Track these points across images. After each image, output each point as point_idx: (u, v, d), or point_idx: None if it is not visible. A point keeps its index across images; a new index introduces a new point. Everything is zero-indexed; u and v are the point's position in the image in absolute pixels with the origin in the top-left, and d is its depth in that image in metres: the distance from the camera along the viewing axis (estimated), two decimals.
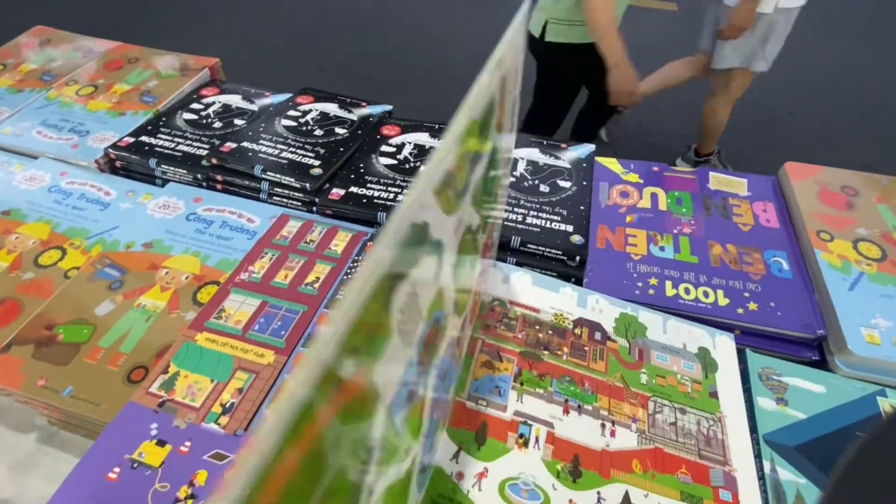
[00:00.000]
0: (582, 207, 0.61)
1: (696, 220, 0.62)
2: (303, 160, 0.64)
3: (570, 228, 0.58)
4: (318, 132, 0.70)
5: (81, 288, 0.52)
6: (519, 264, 0.54)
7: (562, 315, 0.47)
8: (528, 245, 0.56)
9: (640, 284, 0.55)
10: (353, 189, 0.60)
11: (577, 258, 0.56)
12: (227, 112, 0.75)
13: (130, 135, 0.69)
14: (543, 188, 0.63)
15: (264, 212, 0.60)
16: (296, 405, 0.11)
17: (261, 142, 0.66)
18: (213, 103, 0.77)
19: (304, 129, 0.70)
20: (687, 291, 0.55)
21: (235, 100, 0.78)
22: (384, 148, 0.68)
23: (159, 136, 0.70)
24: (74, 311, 0.49)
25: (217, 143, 0.67)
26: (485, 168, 0.28)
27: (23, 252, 0.57)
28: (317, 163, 0.64)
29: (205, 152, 0.67)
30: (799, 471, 0.40)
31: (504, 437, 0.39)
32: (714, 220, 0.62)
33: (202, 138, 0.70)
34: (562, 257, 0.56)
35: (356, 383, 0.15)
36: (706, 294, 0.55)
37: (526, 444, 0.39)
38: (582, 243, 0.56)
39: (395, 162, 0.66)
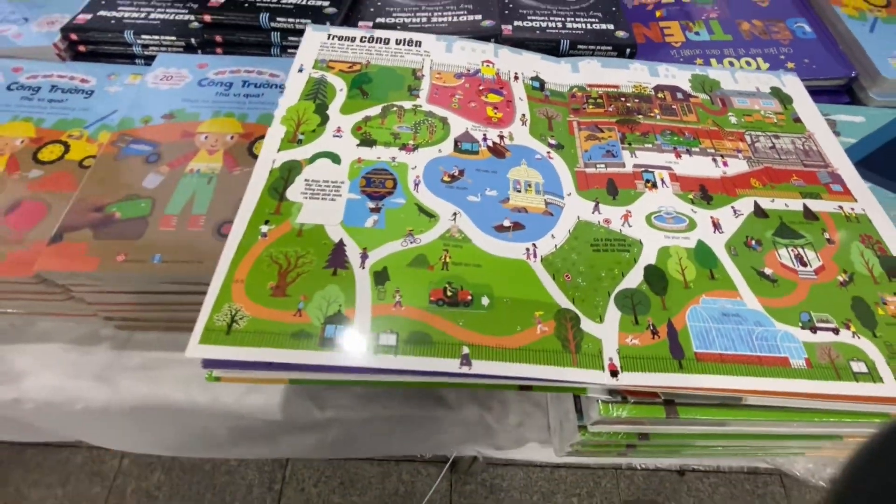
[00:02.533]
0: (614, 8, 0.62)
1: (719, 4, 0.65)
2: (309, 3, 0.58)
3: (611, 27, 0.59)
4: None
5: (113, 168, 0.46)
6: None
7: (640, 85, 0.47)
8: (578, 45, 0.57)
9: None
10: (381, 19, 0.57)
11: (628, 50, 0.58)
12: None
13: (84, 11, 0.59)
14: None
15: (285, 64, 0.56)
16: None
17: None
18: None
19: None
20: (731, 64, 0.59)
21: None
22: None
23: (120, 8, 0.60)
24: (120, 190, 0.44)
25: (195, 6, 0.60)
26: None
27: (14, 152, 0.49)
28: (326, 3, 0.59)
29: (185, 17, 0.59)
30: (864, 178, 0.48)
31: (633, 185, 0.39)
32: (734, 2, 0.65)
33: (173, 4, 0.62)
34: (612, 52, 0.58)
35: None
36: (748, 63, 0.59)
37: (654, 185, 0.39)
38: (627, 37, 0.58)
39: None
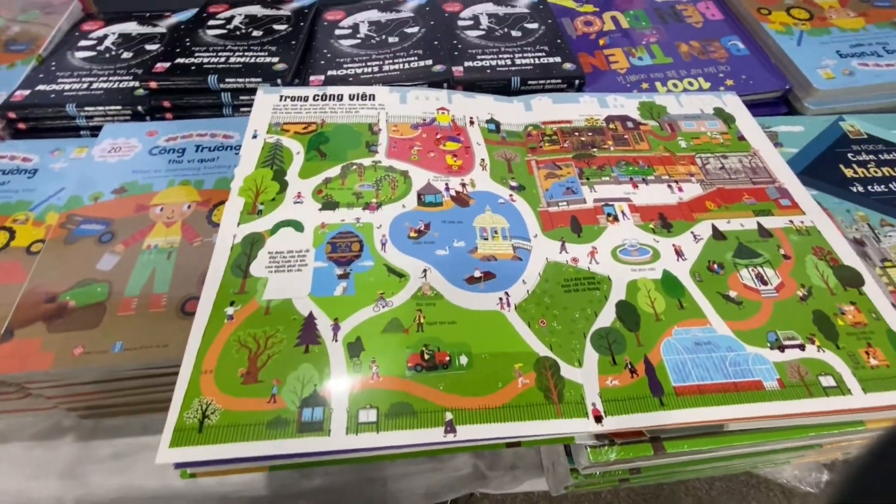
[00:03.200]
0: (559, 41, 0.64)
1: (658, 28, 0.69)
2: (258, 60, 0.58)
3: (558, 59, 0.61)
4: (257, 33, 0.64)
5: (63, 252, 0.44)
6: None
7: (592, 118, 0.49)
8: (529, 82, 0.59)
9: (635, 91, 0.61)
10: (333, 72, 0.57)
11: (577, 82, 0.60)
12: (129, 42, 0.65)
13: (21, 87, 0.57)
14: (515, 33, 0.65)
15: (239, 125, 0.55)
16: None
17: (197, 55, 0.59)
18: (106, 36, 0.66)
19: (238, 33, 0.63)
20: (675, 86, 0.62)
21: (131, 27, 0.67)
22: (339, 32, 0.65)
23: (60, 81, 0.58)
24: (73, 275, 0.42)
25: (140, 71, 0.59)
26: None
27: None
28: (275, 59, 0.59)
29: (130, 85, 0.58)
30: (808, 186, 0.51)
31: (595, 220, 0.40)
32: (671, 26, 0.69)
33: (117, 72, 0.60)
34: (562, 85, 0.60)
35: None
36: (690, 84, 0.62)
37: (616, 219, 0.40)
38: (575, 68, 0.60)
39: (358, 41, 0.63)
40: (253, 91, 0.54)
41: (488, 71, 0.56)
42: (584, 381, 0.33)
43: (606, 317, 0.36)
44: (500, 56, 0.59)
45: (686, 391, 0.32)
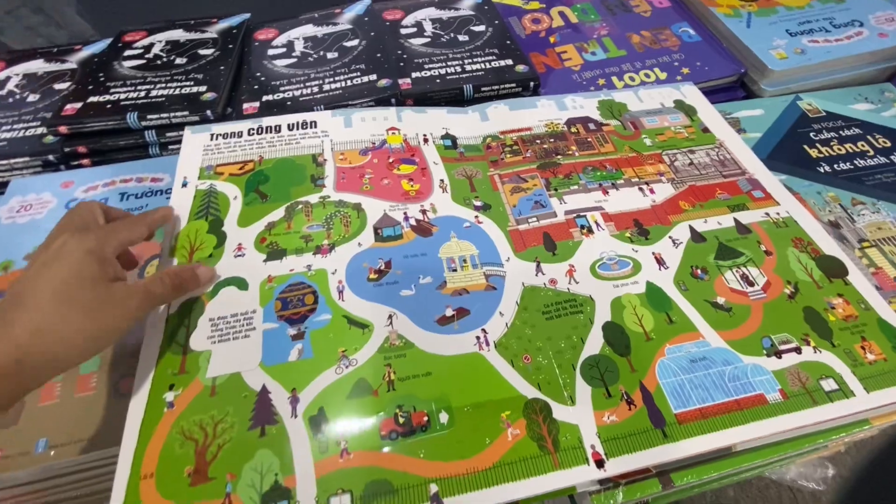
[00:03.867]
0: (509, 42, 0.61)
1: (607, 21, 0.67)
2: (183, 91, 0.53)
3: (510, 62, 0.59)
4: (181, 60, 0.58)
5: None
6: None
7: (552, 123, 0.46)
8: (482, 89, 0.56)
9: (592, 89, 0.59)
10: (269, 97, 0.53)
11: (531, 84, 0.57)
12: (35, 82, 0.58)
13: None
14: (462, 38, 0.62)
15: (168, 165, 0.50)
16: None
17: (113, 91, 0.53)
18: (8, 78, 0.59)
19: (159, 62, 0.58)
20: (632, 79, 0.61)
21: (36, 66, 0.61)
22: (272, 52, 0.60)
23: None
24: None
25: (48, 115, 0.53)
26: None
27: None
28: (203, 88, 0.54)
29: (38, 131, 0.52)
30: (777, 171, 0.50)
31: (569, 235, 0.38)
32: (620, 17, 0.68)
33: (22, 118, 0.54)
34: (517, 89, 0.57)
35: None
36: (647, 75, 0.61)
37: (590, 231, 0.38)
38: (528, 70, 0.57)
39: (294, 60, 0.58)
40: (181, 126, 0.49)
41: (438, 81, 0.53)
42: (580, 421, 0.30)
43: (594, 343, 0.33)
44: (449, 63, 0.56)
45: (688, 417, 0.30)
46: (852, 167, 0.50)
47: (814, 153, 0.51)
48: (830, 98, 0.57)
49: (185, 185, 0.39)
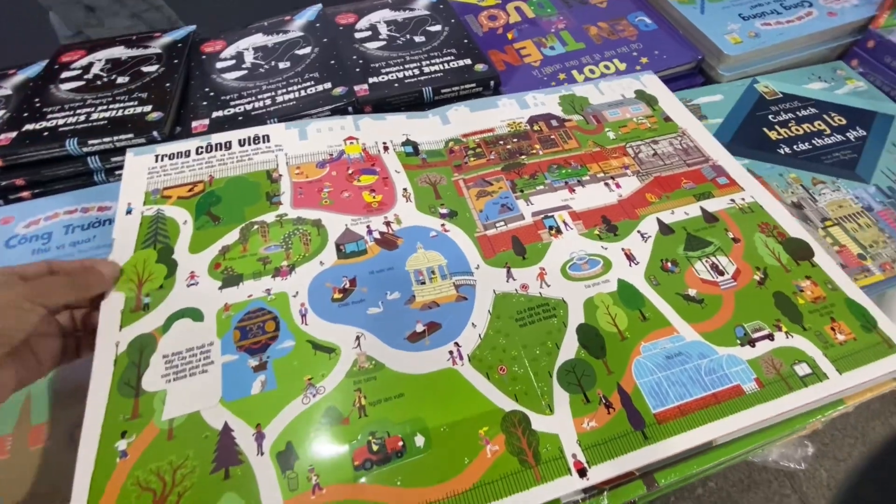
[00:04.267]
0: (466, 41, 0.60)
1: (564, 14, 0.67)
2: (126, 112, 0.50)
3: (468, 62, 0.58)
4: (123, 79, 0.55)
5: None
6: None
7: (514, 122, 0.45)
8: (442, 91, 0.55)
9: (553, 84, 0.59)
10: (219, 113, 0.50)
11: (492, 83, 0.57)
12: None
13: None
14: (418, 39, 0.61)
15: (115, 192, 0.47)
16: None
17: (50, 117, 0.50)
18: None
19: (99, 83, 0.55)
20: (592, 72, 0.61)
21: None
22: (221, 64, 0.58)
23: None
24: None
25: None
26: None
27: None
28: (148, 108, 0.51)
29: None
30: (739, 156, 0.51)
31: (537, 237, 0.37)
32: (576, 9, 0.68)
33: None
34: (477, 89, 0.56)
35: None
36: (607, 67, 0.61)
37: (559, 231, 0.38)
38: (488, 68, 0.56)
39: (244, 72, 0.56)
40: (124, 149, 0.47)
41: (396, 85, 0.52)
42: (560, 430, 0.29)
43: (569, 347, 0.32)
44: (407, 66, 0.54)
45: (668, 416, 0.30)
46: (811, 147, 0.51)
47: (773, 135, 0.52)
48: (786, 79, 0.58)
49: (129, 212, 0.37)
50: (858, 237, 0.43)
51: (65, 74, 0.54)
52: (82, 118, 0.48)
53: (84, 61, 0.56)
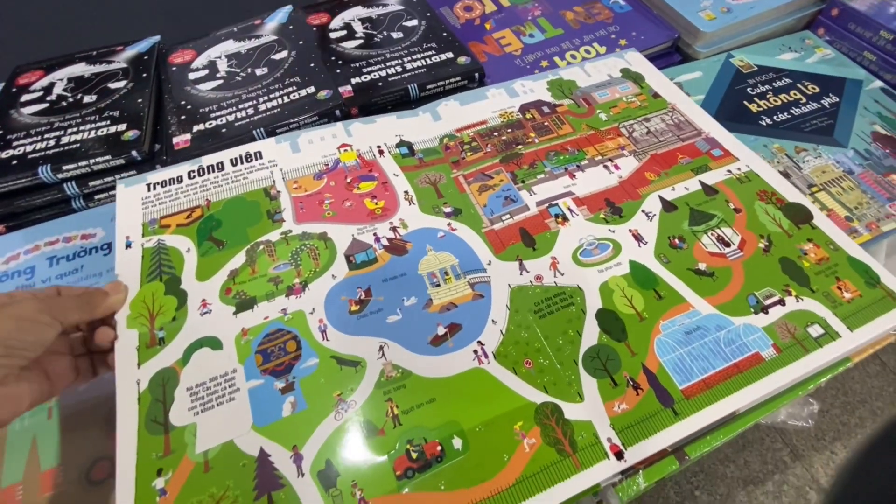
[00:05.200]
0: (445, 34, 0.60)
1: (539, 1, 0.67)
2: (100, 132, 0.48)
3: (450, 55, 0.57)
4: (90, 98, 0.53)
5: None
6: None
7: (506, 112, 0.45)
8: (428, 87, 0.54)
9: (536, 72, 0.59)
10: (200, 126, 0.48)
11: (476, 75, 0.56)
12: None
13: None
14: (396, 35, 0.60)
15: (98, 218, 0.45)
16: None
17: (16, 144, 0.47)
18: None
19: (64, 104, 0.52)
20: (573, 57, 0.61)
21: None
22: (193, 75, 0.56)
23: None
24: None
25: None
26: None
27: None
28: (122, 126, 0.49)
29: None
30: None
31: (544, 227, 0.38)
32: None
33: None
34: (463, 82, 0.56)
35: None
36: (588, 52, 0.61)
37: (565, 218, 0.38)
38: (471, 61, 0.56)
39: (220, 81, 0.54)
40: (105, 173, 0.45)
41: (380, 84, 0.51)
42: (592, 416, 0.30)
43: (591, 334, 0.33)
44: (388, 64, 0.54)
45: (694, 390, 0.30)
46: (790, 116, 0.52)
47: (753, 108, 0.53)
48: (759, 52, 0.59)
49: (129, 245, 0.35)
50: (844, 200, 0.45)
51: (25, 97, 0.51)
52: (52, 143, 0.46)
53: (44, 82, 0.53)
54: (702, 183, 0.41)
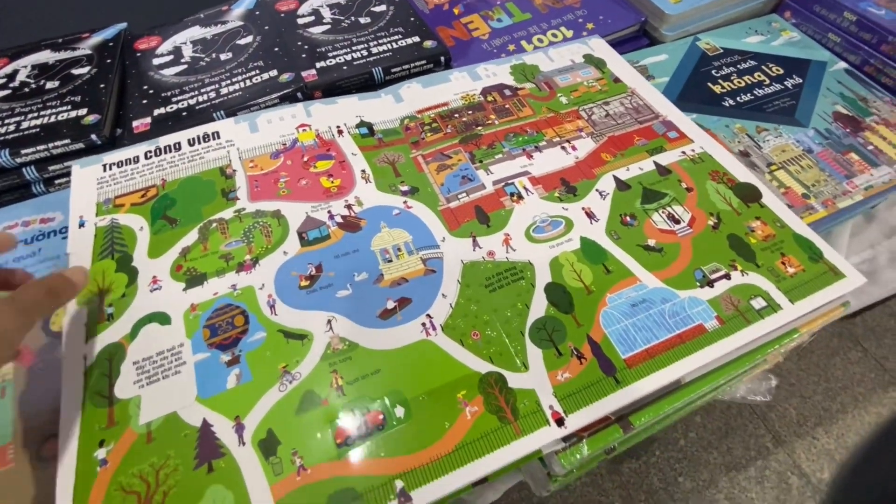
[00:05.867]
0: (413, 18, 0.60)
1: None
2: (60, 117, 0.48)
3: (417, 39, 0.57)
4: (52, 84, 0.53)
5: None
6: None
7: (468, 94, 0.46)
8: (392, 70, 0.54)
9: (503, 56, 0.60)
10: (161, 110, 0.49)
11: (442, 59, 0.57)
12: None
13: None
14: (364, 20, 0.60)
15: (57, 202, 0.46)
16: None
17: None
18: None
19: (27, 90, 0.52)
20: (540, 41, 0.62)
21: None
22: (158, 61, 0.56)
23: None
24: None
25: None
26: None
27: None
28: (83, 111, 0.49)
29: None
30: (687, 111, 0.53)
31: (500, 205, 0.38)
32: None
33: None
34: (428, 65, 0.56)
35: None
36: (555, 35, 0.62)
37: (520, 196, 0.39)
38: (437, 45, 0.57)
39: (184, 66, 0.54)
40: (64, 157, 0.45)
41: (345, 68, 0.51)
42: (535, 385, 0.30)
43: (539, 306, 0.34)
44: (354, 48, 0.54)
45: (637, 360, 0.31)
46: (753, 97, 0.53)
47: (717, 89, 0.54)
48: (725, 35, 0.60)
49: (82, 225, 0.35)
50: (801, 178, 0.46)
51: None
52: (12, 128, 0.46)
53: (8, 69, 0.53)
54: (656, 163, 0.42)
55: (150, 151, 0.40)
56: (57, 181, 0.45)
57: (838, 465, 1.12)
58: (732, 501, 1.12)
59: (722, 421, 1.24)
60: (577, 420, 0.29)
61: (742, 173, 0.41)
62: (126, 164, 0.39)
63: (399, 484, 0.26)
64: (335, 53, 0.53)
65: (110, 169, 0.39)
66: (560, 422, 0.29)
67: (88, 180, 0.38)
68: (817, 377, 1.29)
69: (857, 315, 1.36)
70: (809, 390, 1.26)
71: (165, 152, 0.40)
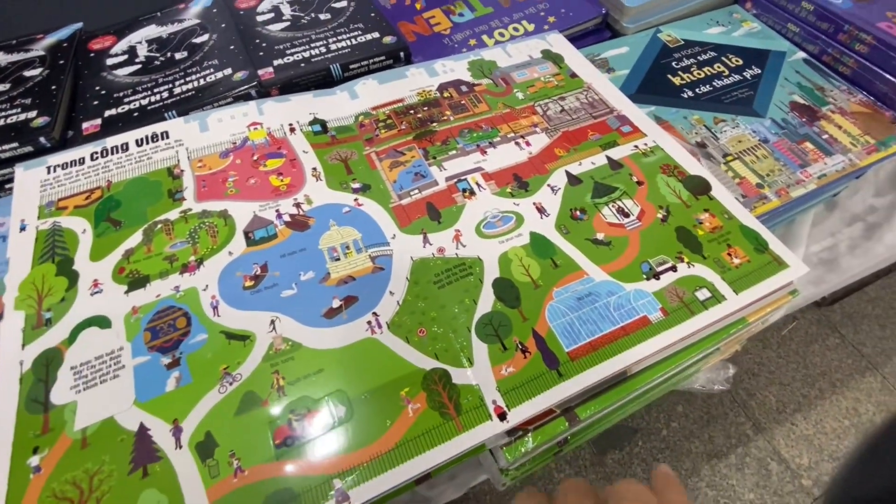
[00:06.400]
0: (373, 14, 0.60)
1: None
2: (9, 120, 0.48)
3: (376, 35, 0.57)
4: (3, 87, 0.52)
5: None
6: None
7: (424, 91, 0.46)
8: (351, 67, 0.54)
9: (464, 51, 0.59)
10: (112, 111, 0.48)
11: (401, 54, 0.57)
12: None
13: None
14: (323, 17, 0.60)
15: (5, 208, 0.45)
16: None
17: None
18: None
19: None
20: (502, 35, 0.62)
21: None
22: (112, 61, 0.55)
23: None
24: None
25: None
26: None
27: None
28: (32, 113, 0.48)
29: None
30: (646, 103, 0.53)
31: (451, 201, 0.38)
32: None
33: None
34: (387, 62, 0.56)
35: None
36: (517, 29, 0.62)
37: (472, 193, 0.39)
38: (396, 41, 0.56)
39: (138, 66, 0.54)
40: (13, 161, 0.44)
41: (303, 65, 0.51)
42: (479, 381, 0.31)
43: (486, 302, 0.34)
44: (313, 45, 0.54)
45: (580, 353, 0.32)
46: (711, 89, 0.54)
47: (677, 81, 0.54)
48: (687, 26, 0.60)
49: (23, 228, 0.35)
50: (756, 168, 0.46)
51: None
52: None
53: None
54: (608, 158, 0.42)
55: (97, 153, 0.40)
56: (7, 186, 0.45)
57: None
58: (714, 489, 1.13)
59: (703, 410, 1.26)
60: (520, 414, 0.29)
61: (693, 166, 0.41)
62: (71, 166, 0.39)
63: (337, 483, 0.26)
64: (293, 51, 0.53)
65: (54, 171, 0.38)
66: (502, 416, 0.29)
67: (31, 183, 0.37)
68: (796, 364, 1.31)
69: (836, 302, 1.38)
70: (788, 377, 1.29)
71: (112, 153, 0.40)
